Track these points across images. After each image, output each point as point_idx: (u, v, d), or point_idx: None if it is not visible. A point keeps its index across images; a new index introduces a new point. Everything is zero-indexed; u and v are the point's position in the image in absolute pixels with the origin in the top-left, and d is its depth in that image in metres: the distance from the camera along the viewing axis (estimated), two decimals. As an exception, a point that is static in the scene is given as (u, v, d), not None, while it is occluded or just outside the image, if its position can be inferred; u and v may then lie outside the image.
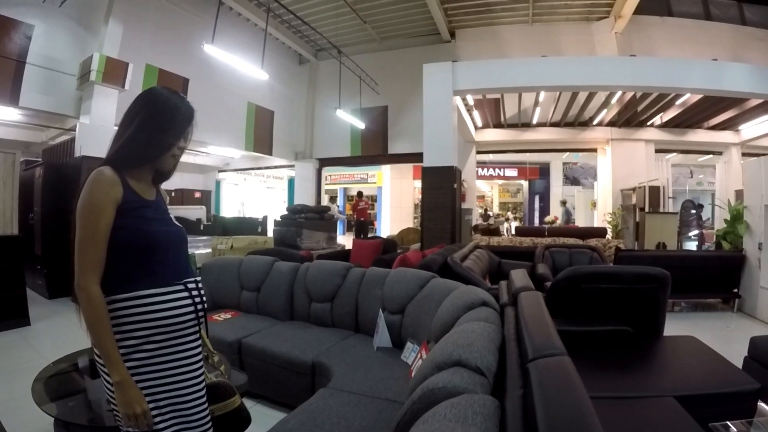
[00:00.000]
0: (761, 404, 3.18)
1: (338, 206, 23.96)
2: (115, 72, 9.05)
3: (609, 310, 4.07)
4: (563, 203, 19.61)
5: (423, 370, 1.96)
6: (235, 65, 9.76)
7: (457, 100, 10.83)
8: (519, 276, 3.26)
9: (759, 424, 2.38)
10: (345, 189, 25.31)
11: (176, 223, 2.06)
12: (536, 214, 24.41)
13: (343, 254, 8.59)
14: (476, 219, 18.27)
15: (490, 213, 23.55)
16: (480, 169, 23.06)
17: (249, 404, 3.79)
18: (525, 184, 26.14)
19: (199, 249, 10.72)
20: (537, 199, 25.06)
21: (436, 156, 9.43)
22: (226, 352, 3.57)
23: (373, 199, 24.17)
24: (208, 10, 12.20)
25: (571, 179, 23.87)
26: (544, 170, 24.40)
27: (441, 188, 9.32)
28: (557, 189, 23.73)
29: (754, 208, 7.66)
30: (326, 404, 2.78)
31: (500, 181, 26.46)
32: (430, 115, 9.59)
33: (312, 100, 18.16)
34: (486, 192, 28.66)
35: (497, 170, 23.98)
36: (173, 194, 19.93)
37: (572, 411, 1.18)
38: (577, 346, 3.55)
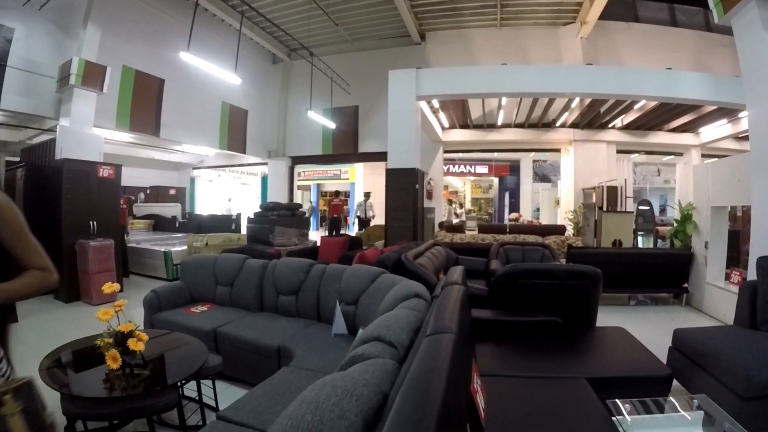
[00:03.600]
0: (675, 383, 3.69)
1: (311, 201, 24.25)
2: (93, 76, 9.26)
3: (544, 303, 4.47)
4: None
5: (354, 344, 2.45)
6: (210, 71, 9.96)
7: (422, 103, 11.19)
8: (454, 272, 3.62)
9: (650, 403, 2.69)
10: (318, 185, 25.52)
11: None
12: (506, 210, 24.81)
13: (312, 251, 8.87)
14: (445, 216, 18.68)
15: (457, 212, 24.24)
16: (452, 166, 23.53)
17: (224, 385, 4.31)
18: (496, 180, 26.57)
19: (175, 246, 10.95)
20: (507, 195, 25.47)
21: (400, 158, 9.88)
22: (203, 341, 3.80)
23: (346, 194, 24.49)
24: (183, 11, 12.52)
25: (540, 176, 24.29)
26: (514, 167, 24.76)
27: (404, 189, 9.77)
28: (527, 186, 24.16)
29: (702, 209, 8.16)
30: (287, 378, 3.25)
31: (472, 178, 26.80)
32: (395, 119, 10.04)
33: (285, 100, 18.48)
34: (459, 188, 29.10)
35: (468, 167, 24.30)
36: (148, 191, 20.08)
37: (429, 368, 1.56)
38: (513, 334, 4.06)
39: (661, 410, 2.69)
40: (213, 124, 15.61)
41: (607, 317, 7.03)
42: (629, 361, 3.64)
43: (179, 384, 3.18)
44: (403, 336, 2.29)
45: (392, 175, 9.94)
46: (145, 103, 12.44)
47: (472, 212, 26.13)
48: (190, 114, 14.12)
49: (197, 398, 3.58)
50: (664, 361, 3.96)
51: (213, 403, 3.72)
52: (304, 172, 22.88)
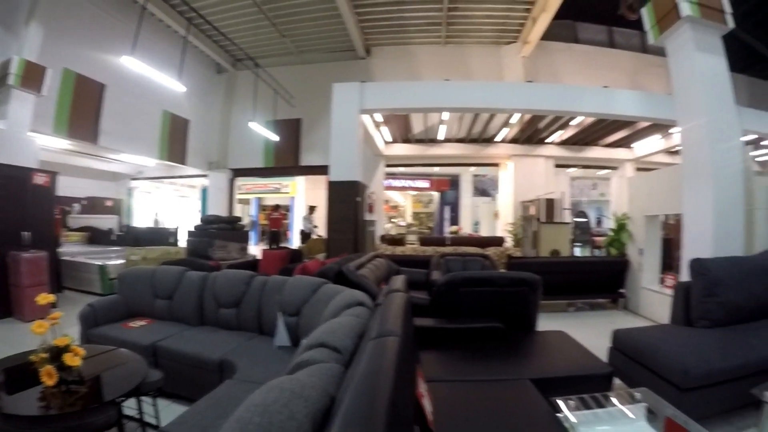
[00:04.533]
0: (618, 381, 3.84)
1: (251, 215, 23.91)
2: (33, 76, 8.90)
3: (485, 310, 4.57)
4: None
5: (299, 351, 2.46)
6: (153, 77, 9.68)
7: (366, 116, 11.28)
8: (396, 281, 3.67)
9: (592, 399, 2.75)
10: (259, 198, 25.10)
11: None
12: (446, 224, 25.11)
13: (252, 264, 8.79)
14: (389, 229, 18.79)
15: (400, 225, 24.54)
16: (393, 180, 23.69)
17: (165, 402, 4.17)
18: (436, 195, 26.81)
19: (111, 260, 10.55)
20: (448, 209, 25.79)
21: (342, 171, 9.92)
22: (142, 356, 3.69)
23: (287, 209, 24.26)
24: (130, 14, 12.20)
25: (480, 191, 24.71)
26: (454, 182, 25.15)
27: (346, 201, 9.80)
28: (467, 200, 24.64)
29: (636, 218, 8.63)
30: (230, 391, 3.22)
31: (413, 192, 27.02)
32: (338, 132, 10.09)
33: (228, 110, 18.14)
34: (400, 202, 29.22)
35: (409, 181, 24.51)
36: (85, 202, 19.41)
37: (376, 368, 1.61)
38: (456, 341, 4.14)
39: (604, 406, 2.77)
40: (153, 133, 15.10)
41: (547, 323, 7.15)
42: (571, 362, 3.80)
43: (118, 401, 3.04)
44: (347, 341, 2.33)
45: (334, 188, 9.96)
46: (84, 109, 11.91)
47: (412, 226, 26.18)
48: (130, 122, 13.63)
49: (138, 416, 3.49)
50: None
51: (154, 421, 3.62)
52: (244, 185, 22.51)
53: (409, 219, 28.05)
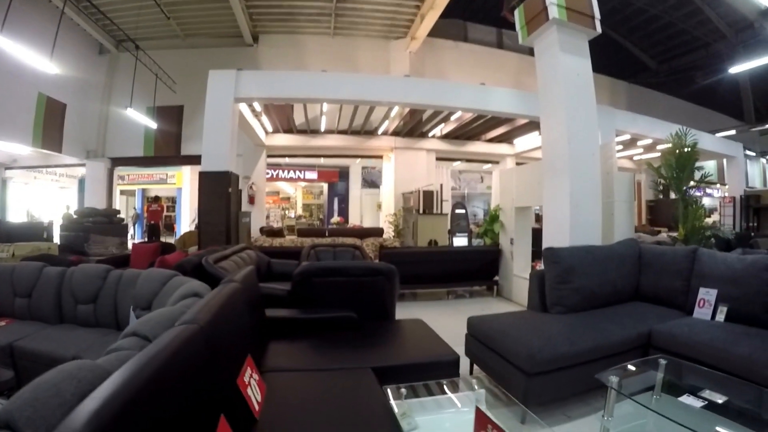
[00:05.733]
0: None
1: (135, 208, 23.02)
2: None
3: (340, 300, 4.55)
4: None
5: (118, 339, 2.39)
6: (22, 57, 9.02)
7: (243, 105, 11.18)
8: (239, 272, 3.68)
9: (421, 386, 2.88)
10: (143, 190, 24.10)
11: None
12: (335, 214, 25.22)
13: (124, 259, 8.41)
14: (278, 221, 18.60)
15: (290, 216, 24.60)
16: (282, 171, 23.65)
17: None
18: (326, 186, 26.90)
19: (-24, 258, 9.94)
20: (337, 200, 25.95)
21: (213, 161, 9.64)
22: None
23: (173, 200, 23.60)
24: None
25: (369, 182, 24.93)
26: (343, 173, 25.30)
27: (216, 192, 9.55)
28: (356, 191, 24.78)
29: (507, 209, 8.98)
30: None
31: (303, 183, 26.97)
32: (211, 120, 9.81)
33: (108, 95, 17.24)
34: (291, 193, 29.20)
35: (298, 173, 24.40)
36: (-48, 194, 17.99)
37: (152, 351, 1.66)
38: (310, 331, 4.13)
39: (434, 394, 2.89)
40: (26, 117, 14.06)
41: (422, 310, 7.49)
42: (420, 350, 3.83)
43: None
44: (160, 330, 2.27)
45: (205, 179, 9.66)
46: None
47: (302, 218, 26.18)
48: (1, 105, 12.72)
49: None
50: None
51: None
52: (128, 175, 21.70)
53: (299, 210, 28.07)
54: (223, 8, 14.56)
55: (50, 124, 14.95)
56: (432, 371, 3.33)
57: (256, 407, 2.34)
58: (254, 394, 2.39)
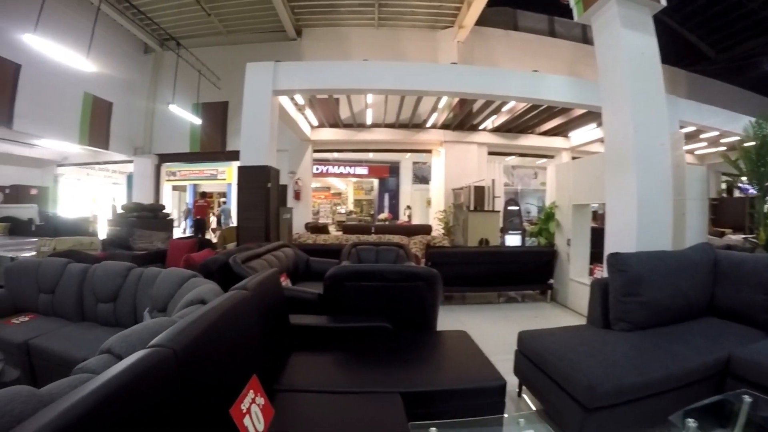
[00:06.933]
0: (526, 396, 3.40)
1: (186, 203, 23.30)
2: None
3: (374, 307, 4.15)
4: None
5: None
6: (59, 57, 9.06)
7: (285, 99, 10.88)
8: (258, 276, 3.34)
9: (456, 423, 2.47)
10: (195, 185, 24.36)
11: None
12: (385, 210, 24.93)
13: (161, 254, 8.27)
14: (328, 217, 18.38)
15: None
16: (332, 167, 23.39)
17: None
18: (376, 182, 26.61)
19: (25, 252, 9.97)
20: (387, 196, 25.64)
21: (252, 155, 9.36)
22: (15, 354, 3.68)
23: (223, 195, 23.68)
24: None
25: (420, 178, 24.46)
26: (394, 169, 24.90)
27: (255, 187, 9.24)
28: (407, 187, 24.37)
29: (564, 207, 8.30)
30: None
31: (354, 179, 26.73)
32: (250, 114, 9.52)
33: (154, 93, 17.53)
34: (342, 189, 29.08)
35: (349, 168, 24.06)
36: (8, 191, 18.38)
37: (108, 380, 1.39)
38: (340, 341, 3.68)
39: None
40: (73, 116, 14.48)
41: (470, 316, 7.04)
42: (461, 371, 3.32)
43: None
44: (139, 348, 1.88)
45: (244, 173, 9.40)
46: None
47: (353, 213, 26.03)
48: (46, 104, 13.01)
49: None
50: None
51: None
52: (179, 171, 21.90)
53: (350, 206, 27.87)
54: (264, 3, 14.43)
55: (97, 122, 15.30)
56: (472, 399, 2.95)
57: (253, 437, 2.01)
58: (254, 423, 2.08)
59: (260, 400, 2.21)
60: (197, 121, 15.14)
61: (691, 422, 2.17)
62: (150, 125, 17.54)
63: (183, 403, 1.66)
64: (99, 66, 9.69)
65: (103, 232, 12.94)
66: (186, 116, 14.34)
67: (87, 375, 1.77)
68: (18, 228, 14.71)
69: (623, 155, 5.67)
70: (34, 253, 9.53)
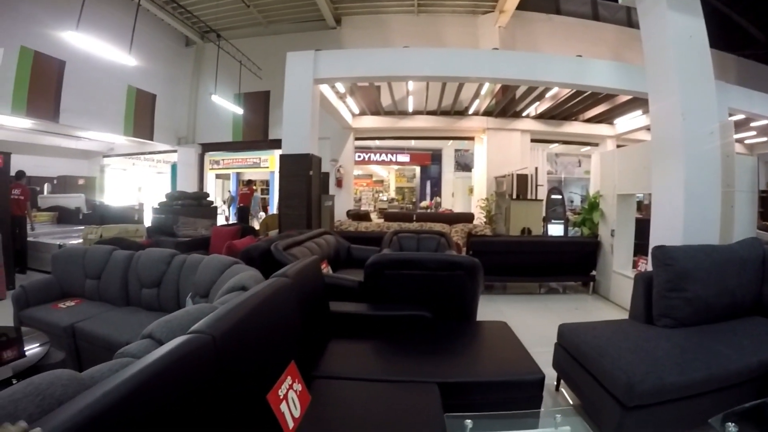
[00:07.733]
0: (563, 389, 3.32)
1: (230, 191, 23.64)
2: None
3: (414, 295, 4.13)
4: None
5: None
6: (101, 53, 9.25)
7: (326, 87, 10.91)
8: (299, 263, 3.37)
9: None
10: (238, 174, 24.72)
11: None
12: (428, 198, 24.91)
13: (204, 241, 8.51)
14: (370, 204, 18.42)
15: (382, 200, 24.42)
16: (374, 154, 23.56)
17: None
18: (418, 169, 26.57)
19: (72, 239, 10.24)
20: (429, 183, 25.62)
21: (294, 144, 9.42)
22: (61, 337, 3.84)
23: (267, 183, 23.96)
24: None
25: (462, 165, 24.20)
26: (436, 156, 24.74)
27: (297, 175, 9.29)
28: (449, 175, 24.13)
29: (608, 197, 8.05)
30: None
31: (396, 167, 26.71)
32: (291, 103, 9.57)
33: (196, 84, 17.91)
34: (384, 177, 29.11)
35: (390, 156, 24.18)
36: (55, 182, 18.95)
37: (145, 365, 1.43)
38: (379, 329, 3.68)
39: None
40: (118, 108, 14.97)
41: (510, 306, 6.96)
42: (499, 363, 3.30)
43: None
44: (179, 334, 1.92)
45: (285, 162, 9.47)
46: (43, 87, 11.82)
47: (395, 201, 26.10)
48: (93, 98, 13.47)
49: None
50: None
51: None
52: (223, 160, 22.23)
53: (392, 193, 27.91)
54: (304, -8, 14.44)
55: (141, 114, 15.77)
56: (509, 391, 2.92)
57: (291, 424, 2.07)
58: (290, 408, 2.12)
59: (298, 387, 2.24)
60: (239, 110, 15.34)
61: (732, 426, 2.10)
62: (193, 116, 17.95)
63: (220, 388, 1.68)
64: (141, 60, 9.95)
65: (148, 219, 13.19)
66: (227, 106, 14.52)
67: (128, 359, 1.80)
68: (66, 216, 15.14)
69: (670, 144, 5.50)
70: (81, 240, 9.81)
